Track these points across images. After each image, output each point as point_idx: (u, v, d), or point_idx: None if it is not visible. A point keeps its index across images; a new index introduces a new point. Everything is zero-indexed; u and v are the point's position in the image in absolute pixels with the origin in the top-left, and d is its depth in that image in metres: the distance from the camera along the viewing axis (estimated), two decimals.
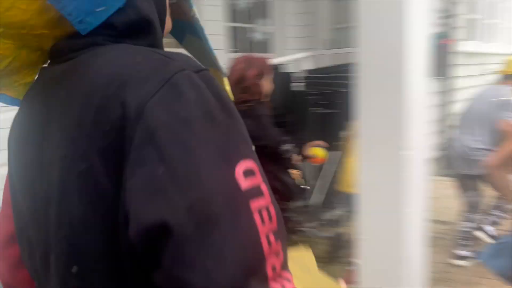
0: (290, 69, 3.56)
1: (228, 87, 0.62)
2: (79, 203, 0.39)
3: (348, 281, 1.77)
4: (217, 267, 0.35)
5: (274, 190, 0.40)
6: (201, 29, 0.60)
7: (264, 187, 0.39)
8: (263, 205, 0.38)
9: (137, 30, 0.45)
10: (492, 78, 3.12)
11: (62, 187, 0.40)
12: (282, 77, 3.01)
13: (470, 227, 2.71)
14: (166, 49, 0.45)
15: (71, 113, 0.40)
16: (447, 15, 4.43)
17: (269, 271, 0.37)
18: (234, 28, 4.19)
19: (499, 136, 2.45)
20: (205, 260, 0.35)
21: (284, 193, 1.94)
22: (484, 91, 2.73)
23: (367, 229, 1.12)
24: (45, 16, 0.42)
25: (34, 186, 0.45)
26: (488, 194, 2.76)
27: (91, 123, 0.38)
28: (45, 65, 0.52)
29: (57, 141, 0.41)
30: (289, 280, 0.39)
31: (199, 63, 0.42)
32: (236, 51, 3.95)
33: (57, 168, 0.40)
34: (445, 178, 3.17)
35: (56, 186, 0.41)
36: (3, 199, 0.59)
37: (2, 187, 0.58)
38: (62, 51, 0.46)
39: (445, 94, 4.70)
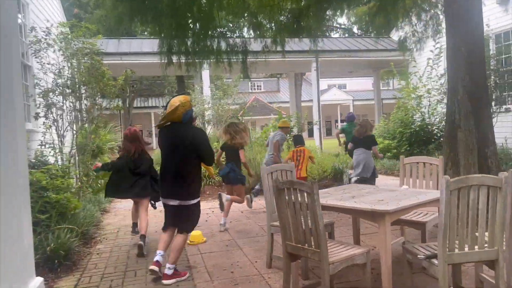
0: None
1: None
2: (189, 148, 3.89)
3: None
4: (211, 156, 4.11)
5: None
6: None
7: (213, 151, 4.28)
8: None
9: (190, 122, 4.03)
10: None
11: (183, 146, 3.89)
12: None
13: None
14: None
15: (186, 134, 3.93)
16: None
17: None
18: None
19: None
20: (209, 156, 4.06)
21: None
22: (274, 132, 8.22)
23: None
24: (179, 117, 3.90)
25: (170, 145, 3.95)
26: None
27: (190, 137, 3.92)
28: (169, 123, 3.99)
29: (182, 139, 3.92)
30: None
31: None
32: None
33: (180, 143, 3.91)
34: None
35: (180, 146, 3.90)
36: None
37: None
38: (178, 123, 3.94)
39: None
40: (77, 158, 8.25)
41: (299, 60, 16.36)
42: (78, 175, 7.96)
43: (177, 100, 3.86)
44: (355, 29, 31.54)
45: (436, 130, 13.00)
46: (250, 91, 43.00)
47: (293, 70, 19.23)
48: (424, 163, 4.25)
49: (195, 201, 3.94)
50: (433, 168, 4.16)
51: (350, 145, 7.85)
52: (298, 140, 7.30)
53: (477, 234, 2.63)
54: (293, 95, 19.61)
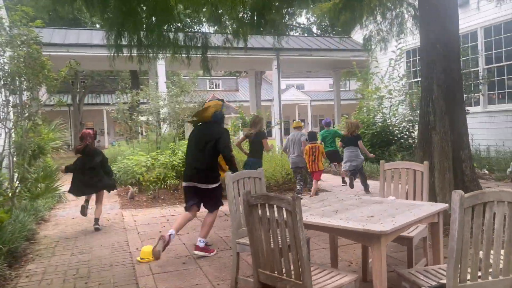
0: None
1: None
2: (210, 143, 4.62)
3: None
4: (229, 151, 4.69)
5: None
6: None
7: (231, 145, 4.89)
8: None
9: (219, 121, 4.85)
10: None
11: (206, 141, 4.64)
12: None
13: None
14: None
15: (211, 132, 4.71)
16: None
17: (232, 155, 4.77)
18: None
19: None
20: (228, 150, 4.65)
21: None
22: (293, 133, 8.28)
23: None
24: (209, 117, 4.76)
25: (196, 139, 4.77)
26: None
27: (214, 134, 4.69)
28: (200, 123, 4.91)
29: (205, 135, 4.71)
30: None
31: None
32: None
33: (205, 139, 4.66)
34: None
35: (205, 140, 4.65)
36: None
37: None
38: (208, 123, 4.80)
39: None
40: (12, 159, 7.26)
41: (260, 58, 15.87)
42: (11, 180, 6.98)
43: (210, 103, 4.89)
44: (314, 29, 31.60)
45: (396, 131, 12.94)
46: (208, 89, 42.12)
47: (253, 68, 18.72)
48: (406, 169, 3.82)
49: (214, 185, 4.65)
50: (417, 175, 3.73)
51: (340, 144, 9.10)
52: (313, 137, 8.01)
53: (491, 260, 2.17)
54: (253, 94, 19.09)
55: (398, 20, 9.83)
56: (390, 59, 12.97)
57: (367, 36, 10.11)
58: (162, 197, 8.61)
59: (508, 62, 10.92)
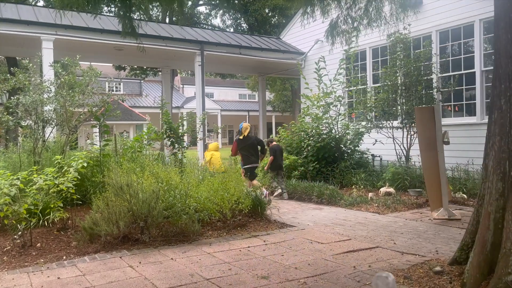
0: None
1: None
2: (256, 145, 9.15)
3: None
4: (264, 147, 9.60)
5: None
6: None
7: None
8: None
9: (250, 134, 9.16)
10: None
11: (255, 144, 9.07)
12: None
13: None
14: None
15: (254, 140, 9.17)
16: None
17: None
18: None
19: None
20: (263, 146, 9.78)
21: None
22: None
23: None
24: (247, 133, 9.07)
25: (251, 145, 9.00)
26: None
27: (256, 140, 9.23)
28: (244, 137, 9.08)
29: (252, 142, 8.97)
30: None
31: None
32: None
33: (255, 144, 9.04)
34: None
35: (255, 144, 9.07)
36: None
37: None
38: (248, 136, 9.08)
39: None
40: None
41: (180, 51, 12.96)
42: None
43: (247, 126, 8.81)
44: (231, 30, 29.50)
45: (348, 143, 11.04)
46: (107, 92, 37.25)
47: (169, 65, 15.66)
48: None
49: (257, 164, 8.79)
50: None
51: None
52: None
53: None
54: (168, 97, 15.91)
55: (371, 3, 7.82)
56: (341, 60, 11.11)
57: (333, 22, 7.95)
58: (39, 244, 5.28)
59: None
